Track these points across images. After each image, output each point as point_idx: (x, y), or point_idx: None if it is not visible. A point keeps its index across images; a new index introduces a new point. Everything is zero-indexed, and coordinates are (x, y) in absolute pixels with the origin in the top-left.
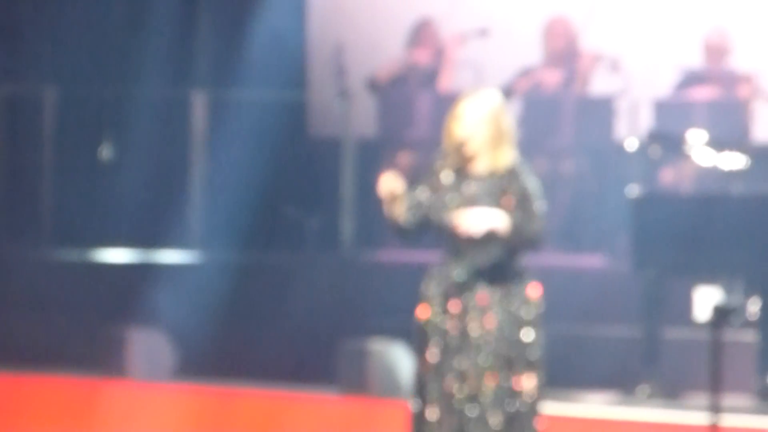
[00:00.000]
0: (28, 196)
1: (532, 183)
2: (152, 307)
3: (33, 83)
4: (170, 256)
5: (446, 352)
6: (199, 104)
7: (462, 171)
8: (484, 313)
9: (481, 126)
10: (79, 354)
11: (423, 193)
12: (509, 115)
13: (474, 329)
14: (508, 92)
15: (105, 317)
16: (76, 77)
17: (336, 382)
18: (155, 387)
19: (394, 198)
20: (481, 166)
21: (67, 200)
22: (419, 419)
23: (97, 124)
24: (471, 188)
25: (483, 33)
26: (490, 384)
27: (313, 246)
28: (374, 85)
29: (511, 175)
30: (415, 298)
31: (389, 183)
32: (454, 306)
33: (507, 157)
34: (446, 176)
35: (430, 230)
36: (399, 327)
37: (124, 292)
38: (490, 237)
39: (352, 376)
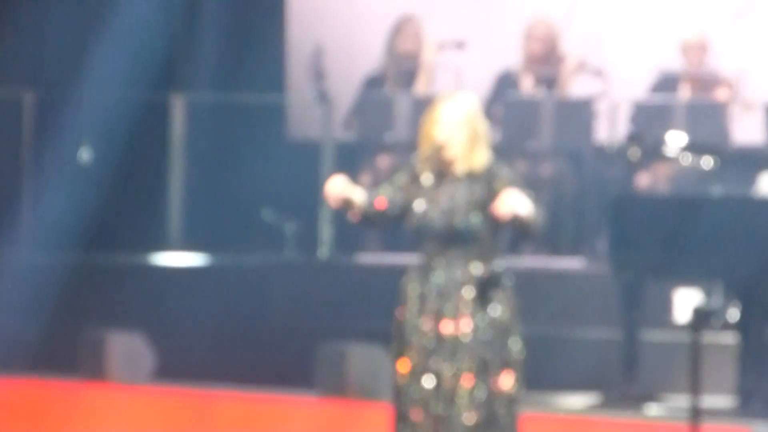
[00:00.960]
0: (6, 199)
1: (515, 176)
2: (131, 310)
3: (12, 86)
4: (149, 259)
5: (423, 353)
6: (178, 107)
7: (440, 173)
8: (461, 315)
9: (460, 129)
10: (58, 357)
11: (402, 178)
12: (484, 118)
13: (449, 331)
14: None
15: (84, 320)
16: (54, 81)
17: (315, 385)
18: (134, 390)
19: (345, 202)
20: (459, 168)
21: (46, 202)
22: (400, 420)
23: (75, 127)
24: (449, 190)
25: (459, 45)
26: (466, 385)
27: (291, 249)
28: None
29: (490, 174)
30: (394, 301)
31: (336, 189)
32: (430, 307)
33: (483, 158)
34: (426, 179)
35: (402, 221)
36: (378, 329)
37: (103, 295)
38: (515, 223)
39: (332, 379)
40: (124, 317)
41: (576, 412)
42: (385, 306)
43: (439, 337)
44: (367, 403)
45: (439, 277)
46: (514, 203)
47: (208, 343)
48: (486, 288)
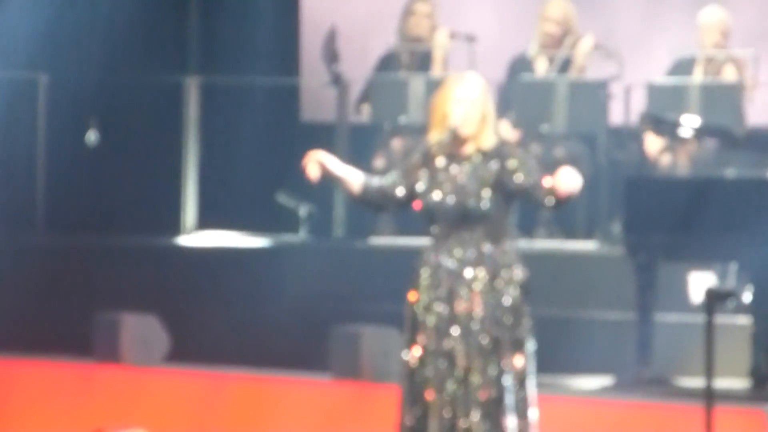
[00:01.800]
0: (21, 181)
1: (527, 155)
2: (146, 292)
3: (27, 69)
4: (164, 241)
5: (436, 334)
6: (192, 90)
7: (451, 154)
8: (473, 296)
9: (474, 108)
10: (73, 339)
11: (412, 161)
12: (491, 98)
13: (462, 312)
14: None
15: (98, 302)
16: (69, 63)
17: (328, 367)
18: (149, 372)
19: (330, 177)
20: (469, 148)
21: (59, 185)
22: (412, 401)
23: (88, 109)
24: (460, 170)
25: (470, 39)
26: (479, 366)
27: (305, 231)
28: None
29: (500, 153)
30: (408, 283)
31: (313, 167)
32: (443, 288)
33: (491, 137)
34: (440, 161)
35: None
36: (391, 312)
37: (117, 277)
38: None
39: (345, 361)
40: (139, 299)
41: (589, 395)
42: (399, 288)
43: (453, 317)
44: (381, 385)
45: (451, 257)
46: (573, 181)
47: (222, 325)
48: (496, 269)
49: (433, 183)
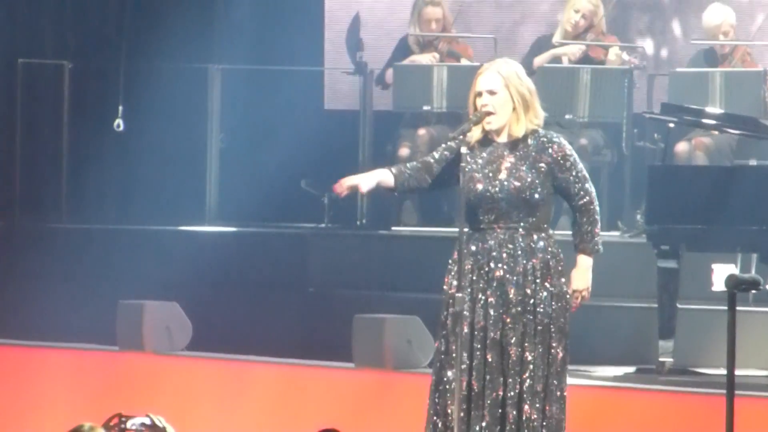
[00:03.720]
0: (46, 169)
1: (566, 152)
2: (169, 280)
3: (51, 56)
4: (187, 229)
5: (471, 324)
6: (216, 78)
7: (485, 141)
8: (506, 287)
9: (500, 96)
10: (96, 327)
11: (448, 151)
12: (529, 82)
13: (496, 302)
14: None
15: (121, 290)
16: (93, 50)
17: (351, 356)
18: (171, 360)
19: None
20: (503, 137)
21: (84, 172)
22: (439, 388)
23: (114, 97)
24: (493, 159)
25: (490, 40)
26: (514, 355)
27: (330, 219)
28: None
29: (531, 140)
30: (432, 272)
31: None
32: (476, 279)
33: (523, 125)
34: (471, 149)
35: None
36: (414, 300)
37: (140, 264)
38: (503, 214)
39: (368, 350)
40: (162, 287)
41: (612, 384)
42: (422, 277)
43: (486, 308)
44: (404, 374)
45: (496, 247)
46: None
47: (245, 313)
48: (531, 259)
49: (472, 171)
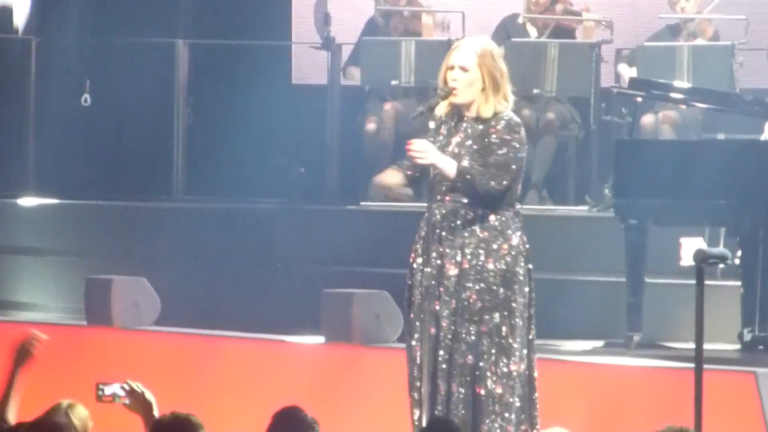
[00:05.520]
0: (12, 144)
1: (502, 135)
2: (136, 256)
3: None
4: (155, 204)
5: (425, 295)
6: (183, 53)
7: (455, 117)
8: (444, 259)
9: (469, 73)
10: (64, 302)
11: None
12: (502, 64)
13: (449, 274)
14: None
15: (89, 265)
16: (60, 26)
17: (320, 330)
18: (139, 335)
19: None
20: (470, 113)
21: (51, 147)
22: (411, 362)
23: (81, 72)
24: (458, 135)
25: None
26: (463, 329)
27: (298, 194)
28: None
29: (493, 122)
30: (400, 246)
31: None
32: (433, 250)
33: (491, 106)
34: (444, 126)
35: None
36: (383, 275)
37: (108, 240)
38: (453, 187)
39: (336, 324)
40: (129, 263)
41: (580, 358)
42: (390, 252)
43: (439, 280)
44: (373, 349)
45: (441, 221)
46: (422, 152)
47: (214, 288)
48: (488, 234)
49: (435, 144)
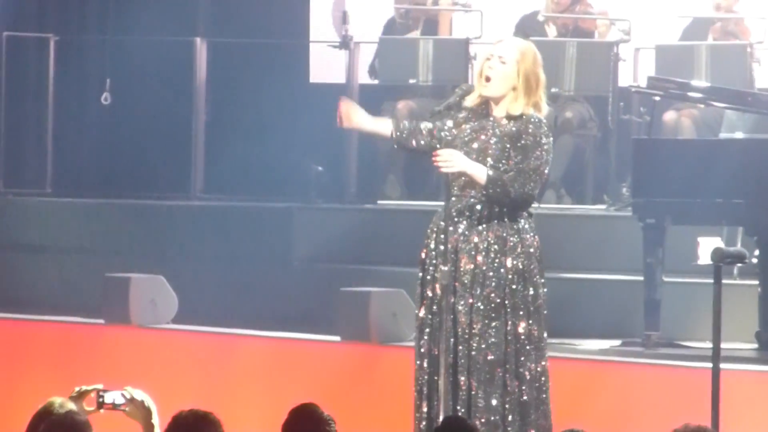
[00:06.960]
0: (31, 142)
1: (537, 137)
2: (155, 254)
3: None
4: (174, 202)
5: (442, 292)
6: (202, 51)
7: (480, 113)
8: (459, 255)
9: (505, 70)
10: (82, 300)
11: (447, 116)
12: (541, 72)
13: (465, 272)
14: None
15: (107, 263)
16: (79, 24)
17: (337, 329)
18: (157, 333)
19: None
20: (499, 110)
21: (70, 146)
22: (420, 357)
23: (100, 70)
24: (483, 132)
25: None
26: (479, 326)
27: (316, 193)
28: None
29: (525, 122)
30: (417, 245)
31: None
32: (448, 248)
33: (520, 106)
34: (467, 118)
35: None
36: (400, 274)
37: (127, 238)
38: (471, 182)
39: (353, 323)
40: (148, 261)
41: (598, 357)
42: (407, 250)
43: (453, 277)
44: (389, 348)
45: (457, 216)
46: (450, 160)
47: (231, 286)
48: (503, 232)
49: (455, 139)
